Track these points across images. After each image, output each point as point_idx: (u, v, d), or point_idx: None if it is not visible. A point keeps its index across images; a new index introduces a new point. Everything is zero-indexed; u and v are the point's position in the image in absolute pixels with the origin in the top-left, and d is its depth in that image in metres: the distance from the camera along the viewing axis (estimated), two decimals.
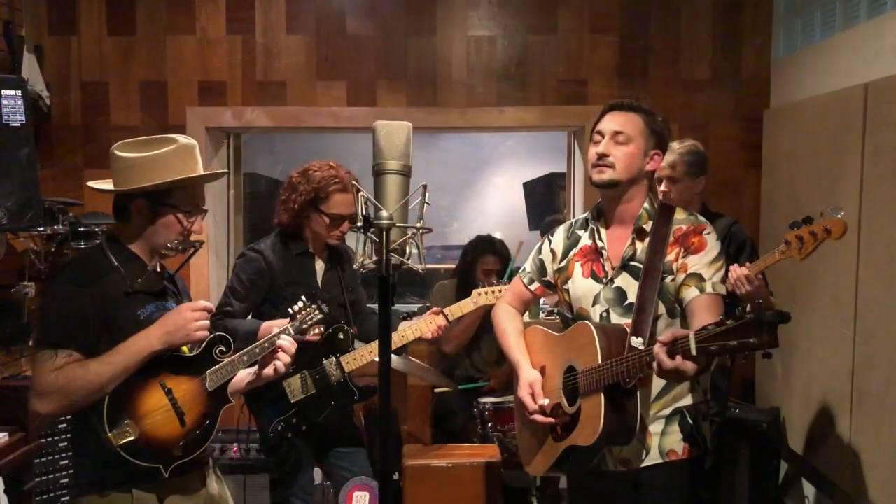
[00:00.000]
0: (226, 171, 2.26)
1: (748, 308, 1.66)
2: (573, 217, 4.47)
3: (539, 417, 2.17)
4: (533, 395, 2.19)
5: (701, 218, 2.21)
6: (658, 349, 1.80)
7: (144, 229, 2.07)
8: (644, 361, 1.89)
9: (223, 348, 2.15)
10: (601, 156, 2.17)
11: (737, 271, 2.68)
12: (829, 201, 3.20)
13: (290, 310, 2.50)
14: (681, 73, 4.13)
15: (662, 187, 3.07)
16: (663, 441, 2.15)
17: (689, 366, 1.76)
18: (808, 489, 3.49)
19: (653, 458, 2.15)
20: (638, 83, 4.14)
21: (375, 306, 1.71)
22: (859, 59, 3.17)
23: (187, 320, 2.03)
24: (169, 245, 2.09)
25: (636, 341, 1.99)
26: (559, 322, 4.09)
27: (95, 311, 1.97)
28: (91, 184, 2.16)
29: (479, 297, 3.16)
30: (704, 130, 4.08)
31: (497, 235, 4.10)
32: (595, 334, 2.05)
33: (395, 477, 3.25)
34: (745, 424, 3.46)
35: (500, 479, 3.17)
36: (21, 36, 3.74)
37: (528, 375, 2.24)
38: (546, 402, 2.18)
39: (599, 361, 2.01)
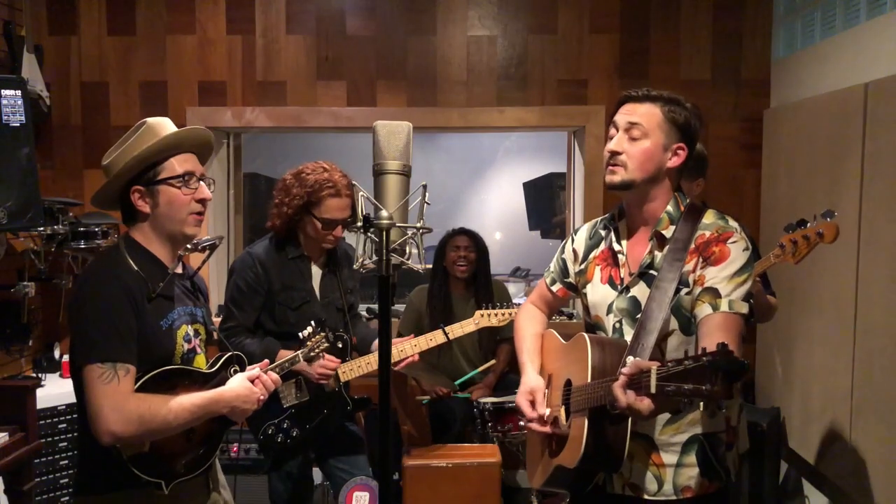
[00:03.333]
0: (201, 127, 2.09)
1: (708, 349, 1.48)
2: (573, 218, 4.51)
3: (536, 426, 2.01)
4: (533, 403, 2.03)
5: (732, 223, 1.94)
6: (616, 382, 1.61)
7: (153, 218, 1.99)
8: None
9: (237, 368, 2.13)
10: (613, 153, 1.94)
11: None
12: (829, 201, 3.21)
13: (300, 334, 2.49)
14: (681, 73, 4.13)
15: None
16: (678, 475, 1.93)
17: (645, 404, 1.57)
18: (808, 489, 3.48)
19: (665, 493, 1.93)
20: (638, 83, 4.10)
21: (375, 306, 1.71)
22: (859, 59, 3.17)
23: (254, 403, 2.06)
24: (188, 242, 2.04)
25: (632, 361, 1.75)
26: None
27: (134, 318, 1.90)
28: (93, 200, 2.09)
29: (481, 319, 3.16)
30: (704, 130, 4.05)
31: (497, 236, 4.12)
32: (590, 350, 1.88)
33: (395, 477, 3.25)
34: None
35: (500, 479, 3.17)
36: (21, 36, 3.75)
37: (530, 381, 2.08)
38: (547, 411, 2.01)
39: (589, 380, 1.85)
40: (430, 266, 4.06)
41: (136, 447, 1.90)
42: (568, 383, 1.99)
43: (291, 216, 2.87)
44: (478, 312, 3.18)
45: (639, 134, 1.93)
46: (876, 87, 2.91)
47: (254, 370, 2.13)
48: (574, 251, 2.17)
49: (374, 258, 1.58)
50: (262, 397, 2.10)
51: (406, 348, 3.01)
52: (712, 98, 4.12)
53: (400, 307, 4.16)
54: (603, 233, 2.10)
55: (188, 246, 2.06)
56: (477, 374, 3.81)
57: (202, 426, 2.02)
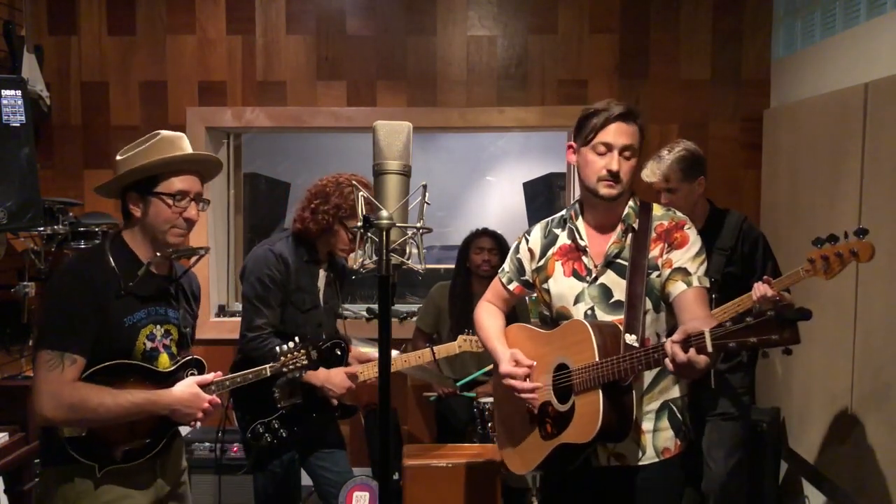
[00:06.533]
0: (211, 155, 2.23)
1: (762, 307, 1.68)
2: None
3: (526, 385, 2.13)
4: (517, 363, 2.16)
5: (679, 213, 2.23)
6: (671, 345, 1.79)
7: (141, 223, 2.10)
8: (652, 358, 1.90)
9: (194, 371, 2.19)
10: (616, 174, 2.09)
11: (760, 289, 2.63)
12: (829, 201, 3.21)
13: (276, 348, 2.47)
14: (681, 72, 4.13)
15: (662, 199, 2.96)
16: (656, 438, 2.17)
17: (703, 359, 1.77)
18: (809, 489, 3.49)
19: (649, 457, 2.16)
20: (638, 83, 4.14)
21: (375, 306, 1.71)
22: (859, 59, 3.17)
23: (199, 409, 2.11)
24: (170, 247, 2.11)
25: (630, 338, 2.03)
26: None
27: (94, 313, 2.01)
28: (95, 189, 2.21)
29: (463, 343, 3.34)
30: (704, 130, 4.08)
31: None
32: (591, 332, 2.05)
33: (395, 477, 3.25)
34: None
35: (500, 479, 3.17)
36: (21, 36, 3.74)
37: (506, 353, 2.21)
38: (534, 363, 2.16)
39: (597, 359, 2.01)
40: (429, 266, 4.06)
41: (75, 430, 2.01)
42: (561, 367, 2.12)
43: (329, 224, 2.87)
44: (461, 337, 3.35)
45: (630, 154, 2.13)
46: (876, 87, 2.91)
47: (207, 376, 2.19)
48: (530, 250, 2.33)
49: (374, 258, 1.58)
50: (207, 406, 2.13)
51: (396, 361, 3.06)
52: (712, 98, 4.12)
53: (401, 307, 4.16)
54: (558, 231, 2.30)
55: (168, 239, 2.11)
56: (480, 376, 3.82)
57: (147, 420, 2.08)
